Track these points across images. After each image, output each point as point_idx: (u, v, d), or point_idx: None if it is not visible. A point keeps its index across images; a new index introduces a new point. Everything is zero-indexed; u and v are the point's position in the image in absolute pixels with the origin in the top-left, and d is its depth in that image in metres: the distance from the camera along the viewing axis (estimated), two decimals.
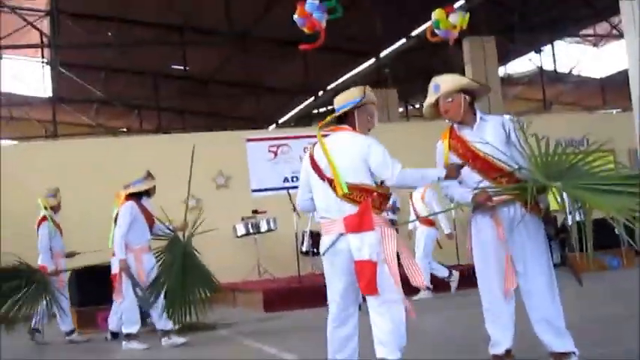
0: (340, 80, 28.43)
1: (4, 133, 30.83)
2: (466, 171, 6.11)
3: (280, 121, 33.98)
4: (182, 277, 9.66)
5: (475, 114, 6.29)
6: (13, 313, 10.55)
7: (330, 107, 33.26)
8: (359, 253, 5.63)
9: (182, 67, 26.87)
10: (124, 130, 33.68)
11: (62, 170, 17.19)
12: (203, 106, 31.07)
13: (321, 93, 29.66)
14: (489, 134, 6.16)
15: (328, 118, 6.22)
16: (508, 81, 30.51)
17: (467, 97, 6.23)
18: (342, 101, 6.08)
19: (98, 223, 17.04)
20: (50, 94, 28.87)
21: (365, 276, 5.60)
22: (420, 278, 5.88)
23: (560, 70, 30.97)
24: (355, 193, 5.74)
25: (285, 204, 15.09)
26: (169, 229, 10.25)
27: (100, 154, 18.36)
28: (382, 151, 5.83)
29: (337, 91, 28.90)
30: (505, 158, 5.97)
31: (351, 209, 5.71)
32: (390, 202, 17.98)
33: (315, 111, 32.59)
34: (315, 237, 17.09)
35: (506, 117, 6.60)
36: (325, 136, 6.16)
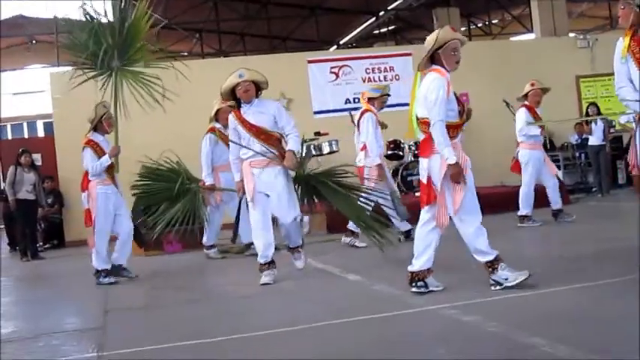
0: (401, 0, 28.03)
1: (68, 59, 31.03)
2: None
3: (341, 42, 33.71)
4: None
5: None
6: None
7: (390, 28, 33.03)
8: (420, 173, 6.98)
9: None
10: (185, 54, 33.65)
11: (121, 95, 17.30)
12: (263, 28, 30.88)
13: (382, 13, 29.30)
14: None
15: (423, 59, 6.96)
16: None
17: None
18: (425, 46, 6.99)
19: (165, 146, 17.26)
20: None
21: (422, 192, 6.93)
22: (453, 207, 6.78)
23: None
24: (422, 126, 6.94)
25: (347, 125, 15.05)
26: None
27: (163, 77, 18.40)
28: (434, 95, 6.73)
29: (398, 10, 28.74)
30: None
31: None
32: None
33: (377, 31, 32.25)
34: None
35: None
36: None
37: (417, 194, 15.95)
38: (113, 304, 8.41)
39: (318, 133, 17.12)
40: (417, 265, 6.93)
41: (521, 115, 12.24)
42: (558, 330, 5.13)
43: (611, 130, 18.12)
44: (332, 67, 19.48)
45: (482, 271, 7.18)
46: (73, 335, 6.85)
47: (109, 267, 10.08)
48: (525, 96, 12.30)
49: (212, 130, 11.71)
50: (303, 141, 16.74)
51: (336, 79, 19.37)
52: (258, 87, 8.70)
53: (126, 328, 7.05)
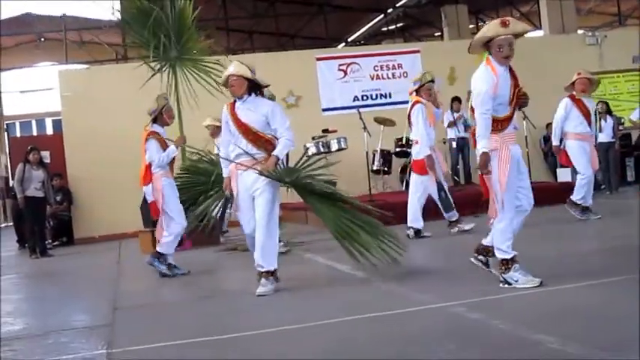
0: None
1: (76, 56, 31.10)
2: None
3: (349, 40, 33.72)
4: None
5: None
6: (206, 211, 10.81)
7: (399, 25, 33.02)
8: None
9: None
10: (194, 52, 33.73)
11: (133, 93, 17.35)
12: (271, 26, 30.92)
13: (390, 10, 29.31)
14: None
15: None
16: None
17: None
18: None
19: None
20: (119, 17, 28.88)
21: (481, 184, 7.10)
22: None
23: None
24: (472, 117, 7.08)
25: (356, 123, 15.06)
26: None
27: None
28: (478, 89, 6.90)
29: (406, 7, 28.73)
30: None
31: None
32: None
33: (385, 29, 32.26)
34: (386, 155, 17.12)
35: None
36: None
37: None
38: (122, 301, 8.43)
39: (326, 131, 17.13)
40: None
41: (562, 105, 11.92)
42: (566, 327, 5.14)
43: (620, 128, 18.08)
44: (340, 65, 19.49)
45: (483, 269, 7.22)
46: (82, 332, 6.87)
47: (173, 254, 10.19)
48: (573, 85, 11.87)
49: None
50: (312, 138, 16.84)
51: (344, 77, 19.39)
52: (254, 84, 8.13)
53: (135, 325, 7.07)
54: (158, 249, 10.03)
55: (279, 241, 9.35)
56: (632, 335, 4.71)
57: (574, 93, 11.81)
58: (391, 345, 5.19)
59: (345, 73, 19.41)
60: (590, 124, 11.83)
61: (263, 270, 7.74)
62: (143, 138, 10.03)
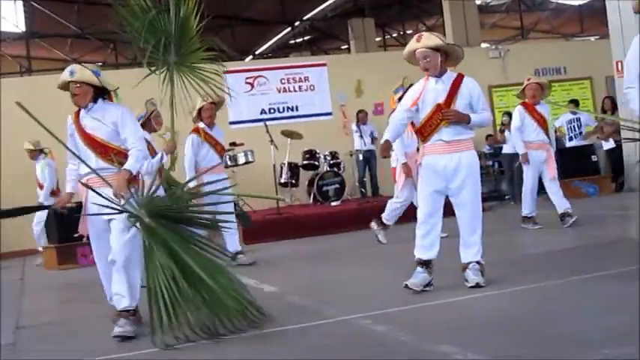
0: (316, 10, 28.15)
1: None
2: None
3: (257, 52, 33.71)
4: None
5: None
6: None
7: (306, 38, 33.10)
8: None
9: None
10: (100, 64, 33.28)
11: (38, 106, 17.02)
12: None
13: (297, 23, 29.39)
14: None
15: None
16: (486, 9, 30.31)
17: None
18: None
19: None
20: (23, 29, 28.44)
21: None
22: None
23: None
24: None
25: (263, 136, 15.04)
26: None
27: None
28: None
29: (314, 20, 28.83)
30: None
31: None
32: (368, 132, 18.07)
33: (292, 41, 32.32)
34: (294, 168, 17.13)
35: None
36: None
37: (333, 204, 16.10)
38: (26, 319, 8.23)
39: (233, 144, 17.04)
40: None
41: (515, 114, 11.71)
42: (470, 337, 5.18)
43: None
44: (247, 78, 19.44)
45: (394, 280, 7.27)
46: None
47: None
48: (524, 92, 11.65)
49: (196, 131, 11.06)
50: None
51: (251, 90, 19.35)
52: (101, 89, 7.01)
53: (39, 344, 6.90)
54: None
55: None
56: (537, 344, 4.78)
57: (526, 100, 11.58)
58: (298, 357, 5.17)
59: (252, 86, 19.37)
60: (546, 130, 11.49)
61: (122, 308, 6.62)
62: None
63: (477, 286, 6.93)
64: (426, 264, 7.16)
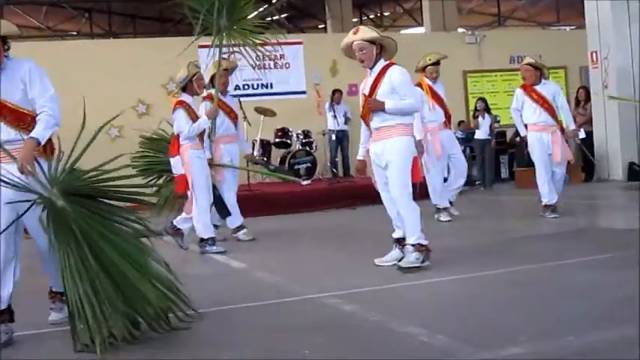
0: None
1: None
2: None
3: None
4: None
5: None
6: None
7: (283, 15, 33.00)
8: None
9: None
10: (74, 33, 33.00)
11: None
12: (154, 11, 30.49)
13: (274, 0, 29.26)
14: None
15: None
16: None
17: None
18: None
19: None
20: None
21: None
22: None
23: None
24: None
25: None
26: None
27: (50, 57, 18.02)
28: None
29: None
30: None
31: None
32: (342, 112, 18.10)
33: (269, 18, 32.20)
34: (266, 145, 17.11)
35: None
36: None
37: (305, 182, 16.10)
38: None
39: None
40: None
41: (516, 95, 11.31)
42: (438, 319, 5.21)
43: (496, 125, 18.47)
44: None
45: (365, 260, 7.32)
46: None
47: (214, 235, 9.55)
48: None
49: (208, 98, 10.53)
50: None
51: None
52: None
53: None
54: (201, 235, 9.48)
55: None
56: (498, 328, 4.82)
57: (525, 83, 11.19)
58: (261, 336, 5.18)
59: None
60: (550, 111, 10.89)
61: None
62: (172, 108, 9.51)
63: (400, 269, 7.15)
64: (397, 241, 7.57)
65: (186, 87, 9.55)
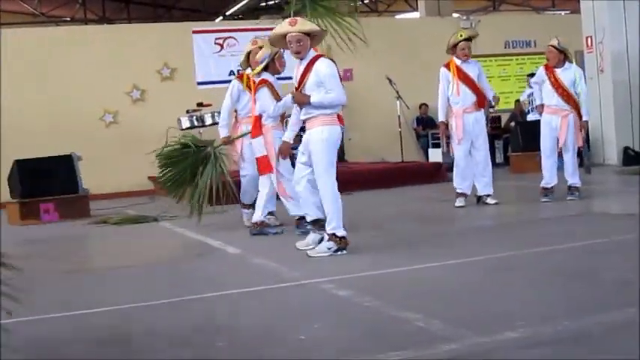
0: None
1: None
2: None
3: (227, 14, 33.46)
4: None
5: None
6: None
7: (277, 0, 32.95)
8: None
9: None
10: (68, 19, 32.88)
11: (5, 61, 16.89)
12: None
13: None
14: None
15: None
16: None
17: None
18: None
19: (47, 114, 16.92)
20: None
21: None
22: None
23: None
24: None
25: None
26: None
27: (45, 43, 17.95)
28: None
29: None
30: None
31: None
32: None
33: (264, 4, 32.12)
34: None
35: None
36: None
37: None
38: None
39: (200, 104, 16.98)
40: None
41: (538, 72, 11.36)
42: (432, 305, 5.21)
43: (491, 110, 18.45)
44: (217, 39, 19.33)
45: (357, 245, 7.33)
46: None
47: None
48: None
49: (240, 78, 10.38)
50: (186, 111, 16.67)
51: (220, 51, 19.25)
52: None
53: None
54: (295, 213, 9.20)
55: None
56: (494, 315, 4.82)
57: (548, 63, 11.08)
58: (259, 321, 5.18)
59: (222, 47, 19.26)
60: (564, 95, 10.80)
61: None
62: (252, 87, 9.36)
63: (308, 256, 7.46)
64: (311, 224, 7.92)
65: (268, 66, 9.38)
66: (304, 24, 7.62)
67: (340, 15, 9.55)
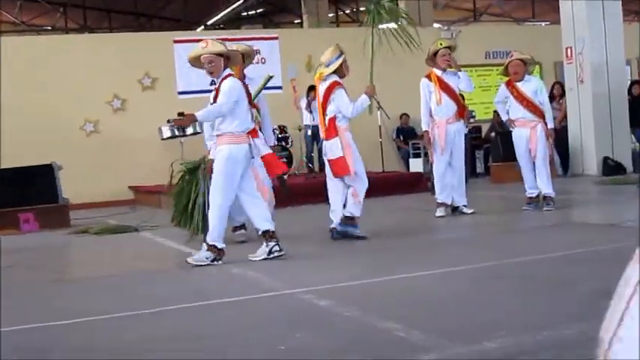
0: None
1: None
2: None
3: (209, 23, 33.48)
4: None
5: None
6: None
7: (259, 10, 33.04)
8: None
9: None
10: (49, 28, 32.84)
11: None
12: (130, 5, 30.41)
13: None
14: None
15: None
16: None
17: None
18: None
19: (28, 123, 16.85)
20: None
21: None
22: None
23: None
24: None
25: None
26: None
27: (25, 52, 17.90)
28: None
29: None
30: None
31: None
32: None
33: (245, 13, 32.16)
34: None
35: None
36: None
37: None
38: None
39: (181, 114, 16.85)
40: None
41: (500, 90, 11.40)
42: (413, 315, 5.21)
43: (472, 120, 18.53)
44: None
45: (338, 254, 7.32)
46: None
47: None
48: (507, 71, 11.17)
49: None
50: (167, 121, 16.61)
51: None
52: None
53: None
54: (347, 212, 9.12)
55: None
56: (475, 325, 4.83)
57: (510, 78, 11.15)
58: (237, 331, 5.17)
59: None
60: (530, 107, 10.87)
61: None
62: (324, 89, 9.26)
63: (187, 262, 7.91)
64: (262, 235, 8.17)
65: (338, 70, 9.35)
66: (215, 45, 8.03)
67: (403, 16, 9.54)
